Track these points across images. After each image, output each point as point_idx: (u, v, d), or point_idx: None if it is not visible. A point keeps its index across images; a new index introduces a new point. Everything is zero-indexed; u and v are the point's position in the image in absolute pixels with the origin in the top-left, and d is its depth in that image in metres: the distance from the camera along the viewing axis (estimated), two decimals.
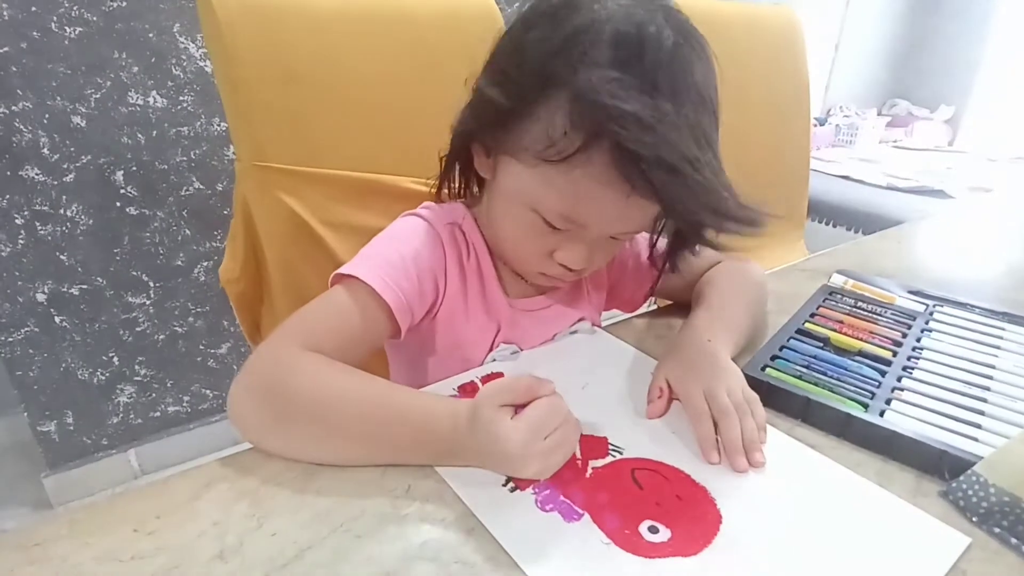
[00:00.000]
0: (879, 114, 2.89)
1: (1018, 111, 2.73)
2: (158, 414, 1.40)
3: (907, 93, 3.03)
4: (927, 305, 0.67)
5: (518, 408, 0.42)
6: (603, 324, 0.67)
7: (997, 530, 0.38)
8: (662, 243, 0.63)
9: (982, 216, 1.26)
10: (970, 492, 0.40)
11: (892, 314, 0.65)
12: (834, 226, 2.01)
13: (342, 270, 0.51)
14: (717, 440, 0.45)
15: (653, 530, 0.38)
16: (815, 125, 2.58)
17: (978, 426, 0.47)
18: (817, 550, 0.37)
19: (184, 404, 1.43)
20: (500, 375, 0.55)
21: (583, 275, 0.58)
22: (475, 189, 0.61)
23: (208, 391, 1.45)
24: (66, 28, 1.06)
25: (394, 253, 0.53)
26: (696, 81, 0.44)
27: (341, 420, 0.43)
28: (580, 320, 0.65)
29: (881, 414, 0.47)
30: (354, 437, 0.43)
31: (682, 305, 0.67)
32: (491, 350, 0.59)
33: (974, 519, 0.39)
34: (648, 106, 0.40)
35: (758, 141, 1.26)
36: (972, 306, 0.67)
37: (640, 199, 0.44)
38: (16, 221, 1.11)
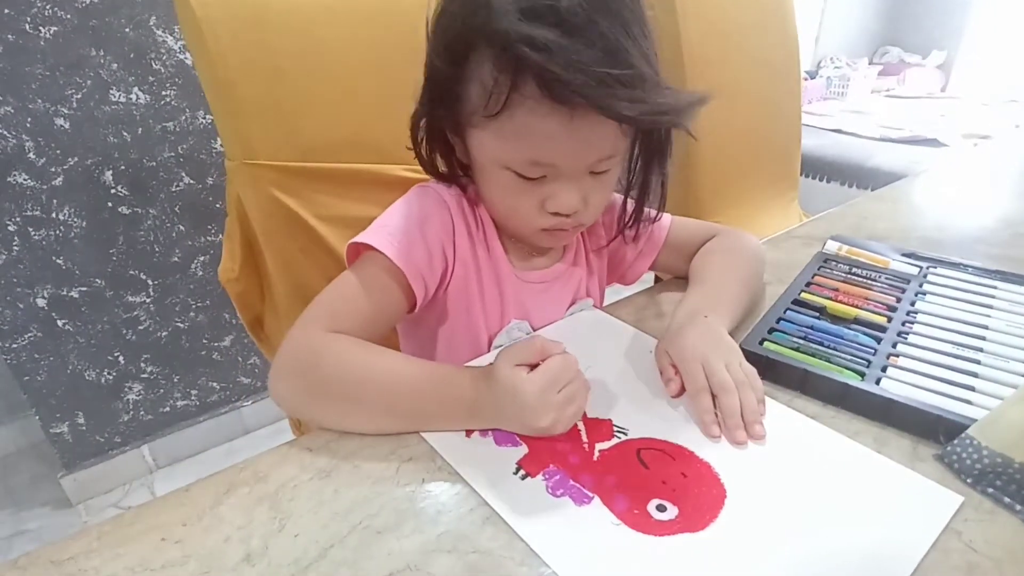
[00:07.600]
0: (870, 63, 2.86)
1: (1010, 53, 2.70)
2: (167, 409, 1.42)
3: (898, 40, 2.99)
4: (921, 267, 0.68)
5: (532, 368, 0.45)
6: (604, 302, 0.68)
7: (990, 490, 0.40)
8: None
9: (976, 167, 1.26)
10: (964, 455, 0.41)
11: (887, 279, 0.66)
12: (828, 182, 2.00)
13: (356, 238, 0.54)
14: (717, 414, 0.46)
15: (661, 508, 0.39)
16: (805, 79, 2.55)
17: (972, 388, 0.48)
18: (819, 517, 0.38)
19: (192, 398, 1.45)
20: None
21: (582, 221, 0.56)
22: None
23: (215, 384, 1.47)
24: (40, 28, 1.04)
25: (403, 221, 0.56)
26: (606, 3, 0.44)
27: (368, 395, 0.47)
28: (583, 297, 0.66)
29: (877, 382, 0.49)
30: (381, 409, 0.47)
31: (681, 280, 0.68)
32: (501, 322, 0.61)
33: (968, 480, 0.41)
34: (558, 32, 0.42)
35: (748, 101, 1.24)
36: (965, 266, 0.68)
37: (585, 120, 0.46)
38: (9, 228, 1.11)
